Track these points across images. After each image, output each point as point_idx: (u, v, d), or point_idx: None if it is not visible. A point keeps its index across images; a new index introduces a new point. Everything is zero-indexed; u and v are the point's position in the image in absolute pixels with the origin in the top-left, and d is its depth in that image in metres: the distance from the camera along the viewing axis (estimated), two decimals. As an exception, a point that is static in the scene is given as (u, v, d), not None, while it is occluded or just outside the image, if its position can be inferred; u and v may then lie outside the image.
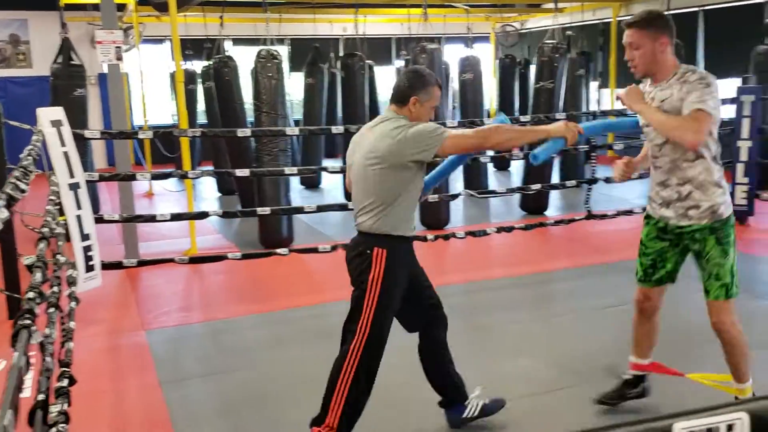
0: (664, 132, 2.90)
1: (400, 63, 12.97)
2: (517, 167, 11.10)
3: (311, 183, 10.63)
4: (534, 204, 8.10)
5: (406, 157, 2.79)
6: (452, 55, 12.49)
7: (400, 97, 2.92)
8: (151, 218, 5.96)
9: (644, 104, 2.96)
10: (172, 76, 10.14)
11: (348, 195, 3.68)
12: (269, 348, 4.45)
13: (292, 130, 6.00)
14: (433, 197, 6.26)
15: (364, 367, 2.88)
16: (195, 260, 5.90)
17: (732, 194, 7.14)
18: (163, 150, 9.75)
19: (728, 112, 7.28)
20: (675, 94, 2.88)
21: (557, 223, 6.98)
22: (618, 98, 3.13)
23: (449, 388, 3.27)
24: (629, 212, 6.97)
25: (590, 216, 6.87)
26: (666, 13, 8.40)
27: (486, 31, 15.86)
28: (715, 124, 2.87)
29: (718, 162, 3.00)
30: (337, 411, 2.86)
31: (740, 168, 6.98)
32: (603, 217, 6.91)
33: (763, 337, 4.41)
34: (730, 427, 0.65)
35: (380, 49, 15.09)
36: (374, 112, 11.46)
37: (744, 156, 6.93)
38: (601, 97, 13.64)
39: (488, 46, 16.28)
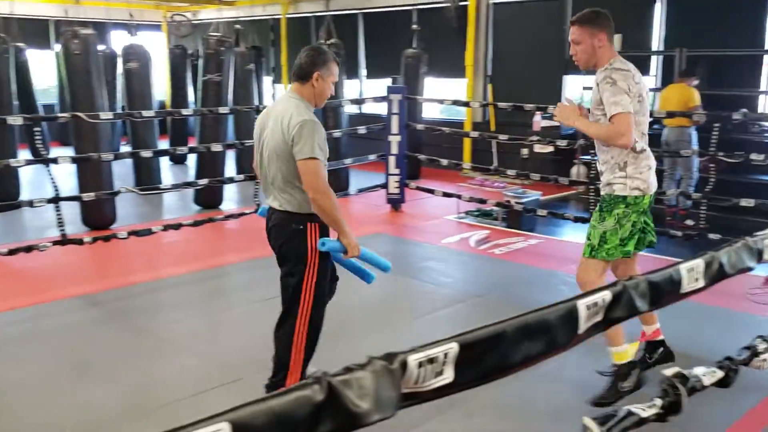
0: (601, 141, 3.22)
1: (58, 47, 11.79)
2: (194, 160, 10.83)
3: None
4: (208, 198, 7.97)
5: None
6: (120, 43, 11.72)
7: (302, 74, 3.04)
8: None
9: (578, 120, 3.26)
10: None
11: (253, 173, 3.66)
12: None
13: None
14: (88, 196, 5.77)
15: (314, 325, 3.12)
16: None
17: (386, 185, 7.86)
18: None
19: (382, 109, 7.96)
20: (594, 88, 3.22)
21: (228, 217, 6.93)
22: (553, 116, 3.41)
23: None
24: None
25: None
26: (331, 13, 8.92)
27: (157, 19, 15.24)
28: (636, 112, 3.12)
29: (635, 148, 3.20)
30: (298, 365, 3.11)
31: (392, 160, 7.67)
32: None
33: (419, 309, 4.88)
34: (210, 440, 0.62)
35: (37, 31, 13.57)
36: (27, 100, 10.27)
37: (395, 149, 7.62)
38: (276, 92, 13.98)
39: (160, 35, 15.69)
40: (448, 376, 0.86)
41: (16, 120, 5.39)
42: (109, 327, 4.54)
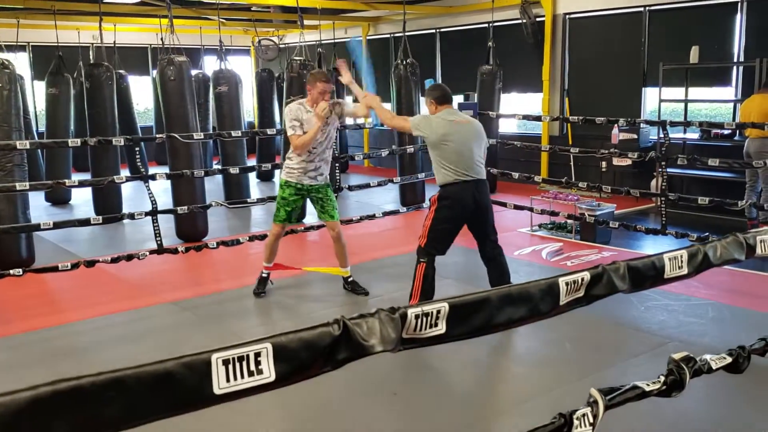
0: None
1: (155, 73, 12.65)
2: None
3: (60, 199, 10.02)
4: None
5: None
6: (213, 67, 12.47)
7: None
8: None
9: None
10: None
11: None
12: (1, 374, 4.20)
13: (23, 144, 5.67)
14: (182, 209, 6.29)
15: None
16: None
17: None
18: None
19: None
20: None
21: (308, 229, 7.32)
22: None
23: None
24: (372, 216, 7.55)
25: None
26: (408, 33, 9.26)
27: (246, 44, 16.06)
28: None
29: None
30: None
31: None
32: (348, 222, 7.39)
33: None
34: (258, 354, 0.88)
35: (137, 58, 14.61)
36: (129, 123, 11.08)
37: (468, 163, 7.83)
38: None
39: (249, 60, 16.50)
40: (441, 327, 1.10)
41: (119, 141, 5.97)
42: (202, 330, 4.95)
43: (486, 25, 11.09)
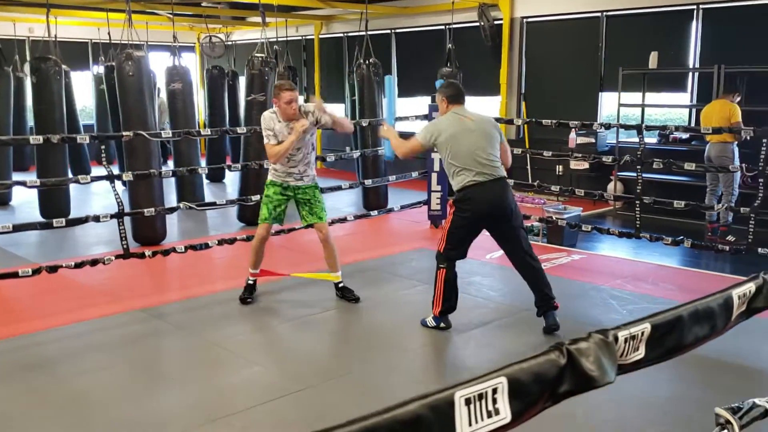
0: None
1: (99, 69, 12.10)
2: (231, 179, 11.08)
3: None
4: (252, 215, 8.13)
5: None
6: (157, 64, 12.01)
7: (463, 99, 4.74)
8: None
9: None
10: None
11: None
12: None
13: (-21, 141, 5.26)
14: (149, 211, 5.98)
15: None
16: None
17: (428, 202, 7.99)
18: None
19: (418, 127, 8.09)
20: None
21: (276, 233, 7.08)
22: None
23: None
24: (344, 219, 7.38)
25: (309, 225, 7.09)
26: (365, 33, 9.13)
27: (191, 40, 15.59)
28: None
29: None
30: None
31: (434, 177, 7.80)
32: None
33: (472, 321, 4.97)
34: (494, 391, 0.75)
35: (76, 53, 13.97)
36: (72, 120, 10.54)
37: (437, 166, 7.76)
38: (308, 111, 14.17)
39: (194, 57, 16.04)
40: (641, 351, 0.99)
41: (84, 138, 5.61)
42: (178, 339, 4.68)
43: (443, 27, 11.06)
